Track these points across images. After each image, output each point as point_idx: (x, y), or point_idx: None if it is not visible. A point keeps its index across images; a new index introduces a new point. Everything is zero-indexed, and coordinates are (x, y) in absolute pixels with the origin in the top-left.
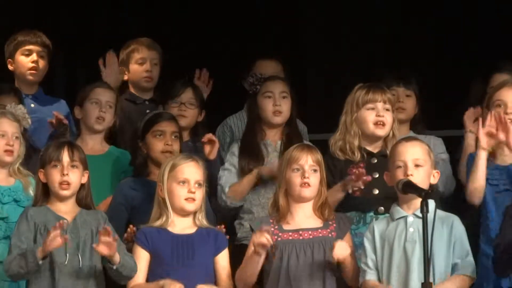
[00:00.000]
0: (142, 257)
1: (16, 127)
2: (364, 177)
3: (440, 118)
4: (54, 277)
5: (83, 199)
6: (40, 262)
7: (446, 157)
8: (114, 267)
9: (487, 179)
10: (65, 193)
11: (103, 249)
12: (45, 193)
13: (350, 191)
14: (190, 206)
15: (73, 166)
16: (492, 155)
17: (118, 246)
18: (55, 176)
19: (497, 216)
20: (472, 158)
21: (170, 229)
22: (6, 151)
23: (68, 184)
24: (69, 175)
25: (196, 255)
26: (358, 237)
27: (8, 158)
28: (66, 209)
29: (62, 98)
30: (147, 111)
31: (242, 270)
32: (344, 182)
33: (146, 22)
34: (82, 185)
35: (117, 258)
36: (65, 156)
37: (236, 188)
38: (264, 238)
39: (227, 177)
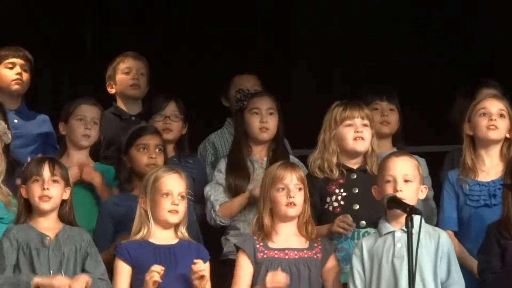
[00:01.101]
0: (124, 271)
1: None
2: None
3: (438, 117)
4: None
5: (66, 215)
6: None
7: (428, 184)
8: None
9: (467, 197)
10: (45, 205)
11: None
12: (28, 209)
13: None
14: (174, 218)
15: (54, 181)
16: (472, 172)
17: (97, 268)
18: (36, 190)
19: (479, 230)
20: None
21: (152, 240)
22: None
23: (49, 198)
24: (49, 189)
25: (179, 265)
26: (340, 252)
27: None
28: (49, 225)
29: (47, 113)
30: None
31: None
32: (331, 231)
33: (134, 36)
34: (64, 201)
35: None
36: (46, 171)
37: (227, 208)
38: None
39: (216, 195)
